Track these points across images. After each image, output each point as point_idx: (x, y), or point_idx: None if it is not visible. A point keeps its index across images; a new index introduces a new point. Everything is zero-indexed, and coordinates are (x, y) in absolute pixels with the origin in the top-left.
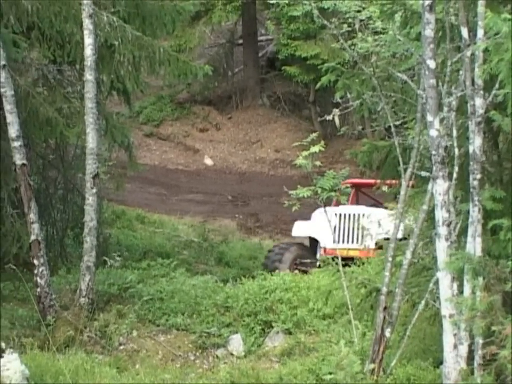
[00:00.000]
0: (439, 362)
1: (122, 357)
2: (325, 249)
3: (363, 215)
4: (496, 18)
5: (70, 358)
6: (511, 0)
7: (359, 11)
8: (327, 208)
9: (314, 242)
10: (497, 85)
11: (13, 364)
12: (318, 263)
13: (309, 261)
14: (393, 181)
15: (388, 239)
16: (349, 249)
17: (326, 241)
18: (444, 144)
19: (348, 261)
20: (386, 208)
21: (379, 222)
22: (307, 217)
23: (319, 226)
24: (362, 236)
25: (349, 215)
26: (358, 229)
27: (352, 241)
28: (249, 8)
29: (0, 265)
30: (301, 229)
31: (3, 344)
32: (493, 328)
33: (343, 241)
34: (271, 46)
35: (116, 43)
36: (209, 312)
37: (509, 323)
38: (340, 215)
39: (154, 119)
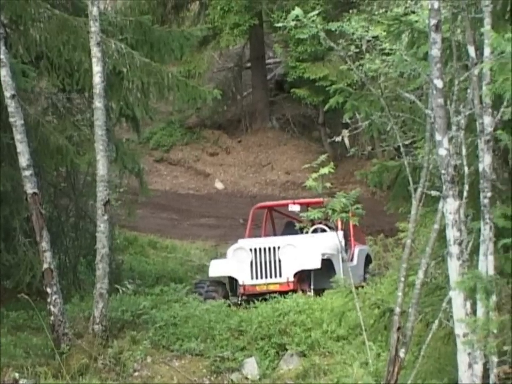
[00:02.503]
0: (454, 382)
1: (137, 383)
2: (244, 286)
3: (278, 247)
4: (500, 38)
5: None
6: None
7: (366, 31)
8: (241, 243)
9: (232, 280)
10: (505, 103)
11: None
12: (239, 302)
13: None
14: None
15: (305, 270)
16: (268, 283)
17: (244, 278)
18: (453, 163)
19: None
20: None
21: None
22: None
23: (235, 263)
24: (280, 269)
25: (264, 248)
26: (275, 262)
27: (271, 276)
28: (256, 32)
29: (13, 294)
30: (218, 269)
31: (17, 375)
32: (505, 347)
33: (261, 277)
34: (279, 69)
35: (124, 70)
36: (223, 336)
37: None
38: (255, 249)
39: (164, 145)
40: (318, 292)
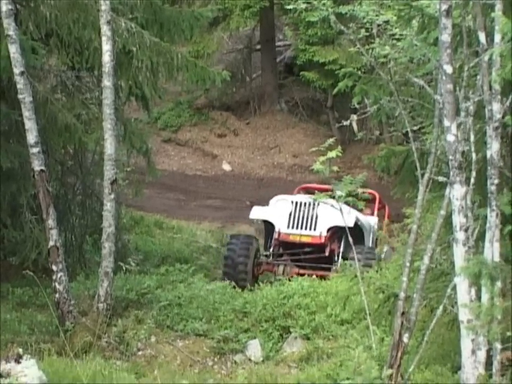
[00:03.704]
0: (457, 368)
1: (141, 362)
2: (279, 233)
3: (318, 204)
4: (510, 23)
5: (88, 363)
6: None
7: (376, 15)
8: (284, 196)
9: (268, 227)
10: None
11: (30, 370)
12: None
13: (265, 254)
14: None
15: (339, 226)
16: (301, 235)
17: (281, 225)
18: (461, 149)
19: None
20: None
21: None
22: None
23: (275, 211)
24: (316, 223)
25: (304, 203)
26: (312, 216)
27: (306, 228)
28: (267, 14)
29: (19, 271)
30: (258, 213)
31: (20, 350)
32: (508, 333)
33: (297, 227)
34: (289, 52)
35: (133, 49)
36: (227, 318)
37: None
38: (296, 202)
39: (173, 125)
40: (344, 258)
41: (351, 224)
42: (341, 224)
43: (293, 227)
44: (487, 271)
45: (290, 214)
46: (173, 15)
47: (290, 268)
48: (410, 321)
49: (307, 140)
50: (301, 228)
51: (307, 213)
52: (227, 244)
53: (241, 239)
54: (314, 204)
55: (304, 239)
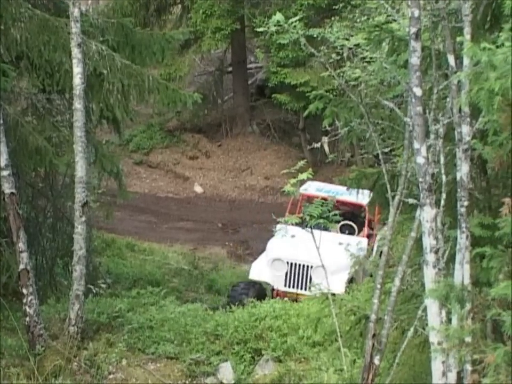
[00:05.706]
0: None
1: None
2: (277, 291)
3: (311, 267)
4: (475, 47)
5: None
6: (498, 28)
7: (347, 39)
8: (279, 254)
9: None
10: (483, 113)
11: None
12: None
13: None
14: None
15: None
16: (298, 294)
17: (279, 284)
18: (431, 171)
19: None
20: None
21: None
22: None
23: (273, 272)
24: (310, 285)
25: (299, 265)
26: (306, 277)
27: (301, 288)
28: (238, 36)
29: None
30: (257, 274)
31: None
32: (475, 356)
33: (293, 287)
34: (261, 74)
35: (104, 72)
36: (199, 340)
37: (490, 351)
38: (291, 264)
39: (144, 147)
40: None
41: (343, 291)
42: (333, 291)
43: (289, 286)
44: (455, 294)
45: (286, 274)
46: (144, 38)
47: None
48: (382, 343)
49: (279, 162)
50: (297, 288)
51: (302, 275)
52: (227, 296)
53: (239, 290)
54: (308, 267)
55: (301, 297)
